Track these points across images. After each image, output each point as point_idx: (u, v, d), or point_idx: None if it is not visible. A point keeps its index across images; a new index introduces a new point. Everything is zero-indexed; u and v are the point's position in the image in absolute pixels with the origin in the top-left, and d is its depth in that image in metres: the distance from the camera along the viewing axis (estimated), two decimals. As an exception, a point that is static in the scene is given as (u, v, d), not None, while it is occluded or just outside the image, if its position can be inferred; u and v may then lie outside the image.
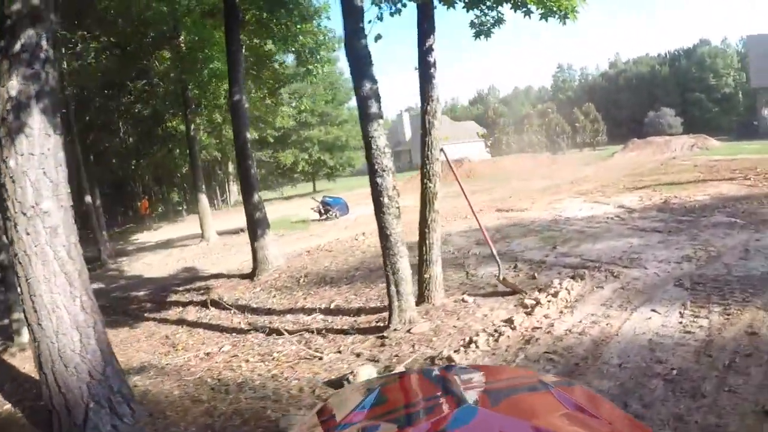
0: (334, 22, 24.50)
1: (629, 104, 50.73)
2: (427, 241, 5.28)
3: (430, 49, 5.31)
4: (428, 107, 5.31)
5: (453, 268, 6.53)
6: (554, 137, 37.72)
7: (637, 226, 7.46)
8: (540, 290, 4.99)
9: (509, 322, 4.37)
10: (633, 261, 5.59)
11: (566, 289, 4.88)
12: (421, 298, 5.26)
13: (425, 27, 5.30)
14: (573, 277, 5.22)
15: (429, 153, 5.29)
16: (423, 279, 5.31)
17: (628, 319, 4.05)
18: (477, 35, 5.43)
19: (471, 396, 0.95)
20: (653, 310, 4.13)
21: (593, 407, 0.85)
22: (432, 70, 5.31)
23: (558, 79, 67.01)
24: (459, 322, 4.71)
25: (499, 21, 5.35)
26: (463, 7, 5.10)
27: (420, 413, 0.96)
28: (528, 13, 4.85)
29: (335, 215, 15.29)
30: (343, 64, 28.80)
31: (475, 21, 5.39)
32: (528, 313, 4.50)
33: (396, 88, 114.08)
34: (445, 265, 5.94)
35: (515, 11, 4.97)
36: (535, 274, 5.67)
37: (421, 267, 5.33)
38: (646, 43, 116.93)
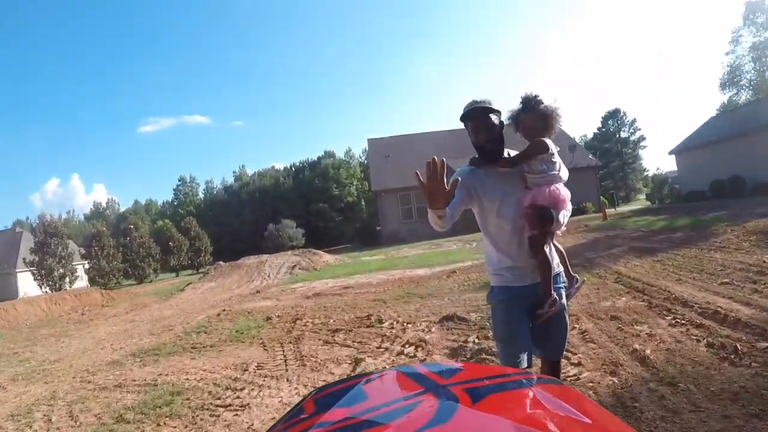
0: None
1: (252, 217, 48.05)
2: None
3: None
4: None
5: None
6: (137, 262, 29.22)
7: None
8: None
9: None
10: None
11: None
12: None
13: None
14: None
15: None
16: None
17: None
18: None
19: (451, 393, 0.94)
20: None
21: (577, 406, 0.85)
22: None
23: (180, 192, 60.21)
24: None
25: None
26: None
27: (400, 410, 0.86)
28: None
29: None
30: None
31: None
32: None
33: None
34: None
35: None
36: None
37: None
38: (274, 156, 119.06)
